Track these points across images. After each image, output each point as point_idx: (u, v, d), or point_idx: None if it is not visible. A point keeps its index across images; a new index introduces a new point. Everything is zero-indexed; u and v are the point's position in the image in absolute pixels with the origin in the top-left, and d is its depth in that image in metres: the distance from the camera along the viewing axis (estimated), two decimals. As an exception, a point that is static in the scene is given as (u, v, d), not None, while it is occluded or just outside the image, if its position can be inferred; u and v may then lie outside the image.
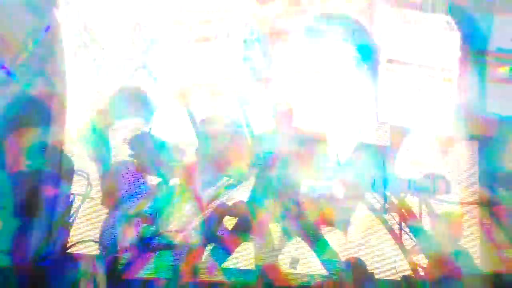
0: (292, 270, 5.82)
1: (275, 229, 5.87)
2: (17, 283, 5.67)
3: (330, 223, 5.88)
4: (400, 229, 5.89)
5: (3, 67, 6.12)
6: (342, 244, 5.88)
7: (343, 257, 5.81)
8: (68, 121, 6.24)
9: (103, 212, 6.06)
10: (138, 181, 6.08)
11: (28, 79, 6.23)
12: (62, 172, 6.10)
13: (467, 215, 5.94)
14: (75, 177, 6.15)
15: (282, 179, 5.88)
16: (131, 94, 6.20)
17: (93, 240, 5.97)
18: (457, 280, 5.70)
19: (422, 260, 5.86)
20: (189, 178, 6.03)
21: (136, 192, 6.05)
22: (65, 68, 6.27)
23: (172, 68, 6.20)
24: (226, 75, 6.18)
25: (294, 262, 5.81)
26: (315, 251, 5.79)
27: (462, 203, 5.97)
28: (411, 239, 5.87)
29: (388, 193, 5.94)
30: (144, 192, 6.04)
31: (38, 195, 5.98)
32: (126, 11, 6.25)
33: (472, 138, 6.07)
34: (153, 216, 6.00)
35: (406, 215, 5.90)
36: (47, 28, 6.13)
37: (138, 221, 5.99)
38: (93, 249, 5.96)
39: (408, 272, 5.85)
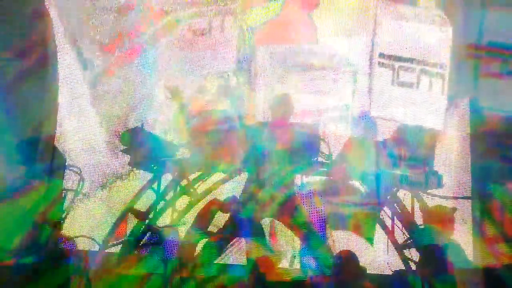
0: (286, 265, 5.82)
1: (267, 224, 5.87)
2: (10, 279, 5.66)
3: (323, 218, 5.87)
4: (393, 223, 5.88)
5: None
6: (334, 239, 5.88)
7: (335, 252, 5.80)
8: (60, 116, 6.24)
9: (95, 207, 6.07)
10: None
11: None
12: (54, 167, 6.09)
13: (459, 209, 5.94)
14: (67, 173, 6.15)
15: (274, 174, 5.86)
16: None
17: (85, 236, 5.97)
18: (449, 274, 5.70)
19: (414, 254, 5.86)
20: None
21: None
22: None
23: (165, 63, 6.19)
24: (220, 69, 6.17)
25: (291, 258, 5.81)
26: (307, 246, 5.78)
27: (454, 198, 5.97)
28: (404, 233, 5.87)
29: (380, 188, 5.93)
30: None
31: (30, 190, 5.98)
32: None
33: (464, 132, 6.07)
34: (146, 212, 5.99)
35: (399, 210, 5.90)
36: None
37: (130, 217, 6.00)
38: (86, 245, 5.97)
39: (400, 266, 5.85)
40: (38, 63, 6.26)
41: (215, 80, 6.14)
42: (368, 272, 5.76)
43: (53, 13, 6.23)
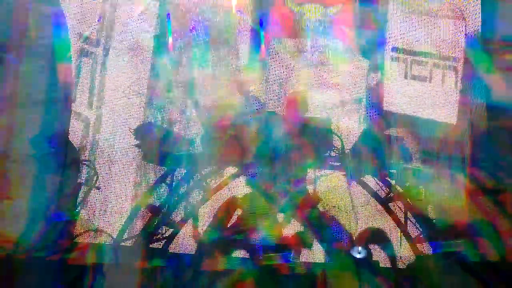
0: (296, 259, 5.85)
1: (280, 219, 5.89)
2: (25, 272, 5.71)
3: (335, 212, 5.90)
4: (405, 217, 5.89)
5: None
6: (346, 233, 5.90)
7: (347, 246, 5.82)
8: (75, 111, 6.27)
9: (110, 201, 6.11)
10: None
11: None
12: (68, 161, 6.12)
13: (471, 203, 5.93)
14: (81, 167, 6.18)
15: (287, 169, 5.87)
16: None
17: (99, 230, 6.01)
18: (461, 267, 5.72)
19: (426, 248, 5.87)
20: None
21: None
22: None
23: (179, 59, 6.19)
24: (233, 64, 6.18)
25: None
26: (319, 240, 5.81)
27: (466, 191, 5.96)
28: (416, 227, 5.88)
29: (393, 182, 5.94)
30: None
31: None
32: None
33: (477, 126, 6.05)
34: (159, 206, 6.02)
35: (411, 204, 5.90)
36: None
37: (145, 211, 6.03)
38: (100, 239, 6.01)
39: (413, 260, 5.87)
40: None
41: (229, 74, 6.14)
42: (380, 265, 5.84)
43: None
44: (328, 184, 5.93)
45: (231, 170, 6.03)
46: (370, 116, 6.06)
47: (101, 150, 6.18)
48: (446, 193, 5.92)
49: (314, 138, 5.95)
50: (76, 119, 6.24)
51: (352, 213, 5.94)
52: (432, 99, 6.03)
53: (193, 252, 5.87)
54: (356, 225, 5.98)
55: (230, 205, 5.90)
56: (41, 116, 6.18)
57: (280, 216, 5.90)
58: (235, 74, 6.15)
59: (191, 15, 6.14)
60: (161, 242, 5.94)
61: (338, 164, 5.98)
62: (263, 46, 6.19)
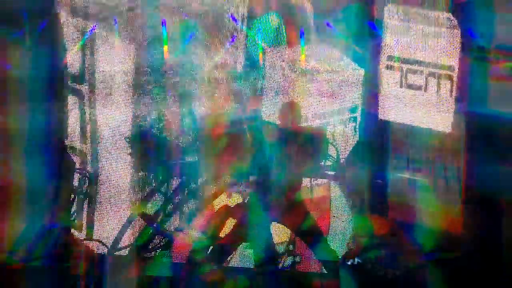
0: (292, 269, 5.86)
1: (275, 229, 5.89)
2: (20, 281, 5.71)
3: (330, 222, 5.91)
4: (401, 229, 5.90)
5: None
6: (342, 243, 5.91)
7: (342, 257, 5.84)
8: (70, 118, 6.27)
9: (105, 210, 6.11)
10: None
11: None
12: (63, 170, 6.12)
13: (466, 213, 5.93)
14: (76, 176, 6.18)
15: (283, 178, 5.87)
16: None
17: (94, 239, 6.02)
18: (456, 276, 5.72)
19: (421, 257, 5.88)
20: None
21: None
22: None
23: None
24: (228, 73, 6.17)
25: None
26: (315, 251, 5.80)
27: (462, 201, 5.96)
28: (412, 238, 5.88)
29: (388, 192, 5.95)
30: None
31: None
32: None
33: (472, 135, 6.04)
34: (154, 215, 6.02)
35: (407, 214, 5.91)
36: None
37: (139, 220, 6.03)
38: (94, 248, 6.01)
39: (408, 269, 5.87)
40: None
41: (223, 83, 6.14)
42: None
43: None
44: (323, 193, 5.94)
45: (225, 179, 6.03)
46: (365, 125, 6.07)
47: (96, 159, 6.18)
48: (441, 202, 5.93)
49: (310, 147, 5.94)
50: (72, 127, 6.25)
51: (347, 222, 5.96)
52: (427, 108, 6.02)
53: (186, 262, 5.86)
54: (351, 234, 6.00)
55: (223, 214, 5.89)
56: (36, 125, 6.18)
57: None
58: (230, 82, 6.16)
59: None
60: (156, 252, 5.95)
61: (333, 173, 5.98)
62: (260, 54, 6.19)
